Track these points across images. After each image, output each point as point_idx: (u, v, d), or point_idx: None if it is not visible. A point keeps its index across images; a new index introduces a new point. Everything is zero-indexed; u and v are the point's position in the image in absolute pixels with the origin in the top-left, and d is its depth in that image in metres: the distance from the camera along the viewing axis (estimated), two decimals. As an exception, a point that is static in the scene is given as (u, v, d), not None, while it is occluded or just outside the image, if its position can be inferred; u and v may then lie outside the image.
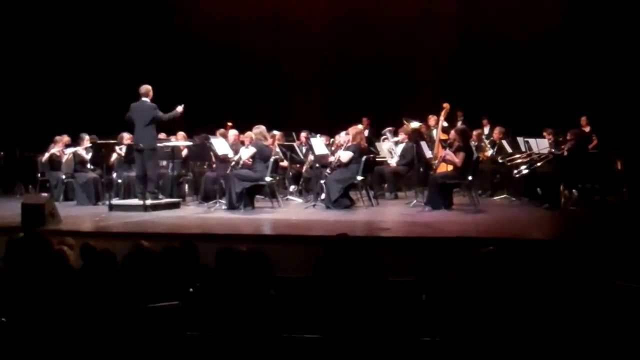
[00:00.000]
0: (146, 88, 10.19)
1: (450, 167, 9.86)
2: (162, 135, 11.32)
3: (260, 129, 10.26)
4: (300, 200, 11.35)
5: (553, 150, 10.41)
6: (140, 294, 3.68)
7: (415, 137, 11.46)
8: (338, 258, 3.44)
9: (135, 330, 3.33)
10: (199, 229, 8.43)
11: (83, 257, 4.59)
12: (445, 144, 10.72)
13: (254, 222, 9.05)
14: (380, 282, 3.53)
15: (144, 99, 10.16)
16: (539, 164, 10.27)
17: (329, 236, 4.17)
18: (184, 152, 11.64)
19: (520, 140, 11.40)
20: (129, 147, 10.97)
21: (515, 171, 10.63)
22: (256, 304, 3.42)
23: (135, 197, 10.71)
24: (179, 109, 10.22)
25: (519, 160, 10.80)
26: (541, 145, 10.76)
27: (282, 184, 12.01)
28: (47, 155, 11.84)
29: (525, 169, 10.37)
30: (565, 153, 9.90)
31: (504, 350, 3.05)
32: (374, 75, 15.20)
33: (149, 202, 9.97)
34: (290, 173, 12.18)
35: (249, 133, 10.54)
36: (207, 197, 10.95)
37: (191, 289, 3.93)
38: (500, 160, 11.36)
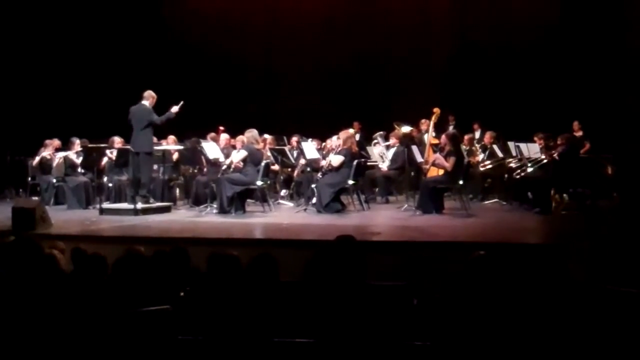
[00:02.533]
0: (149, 92, 10.26)
1: (441, 172, 9.88)
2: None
3: (253, 132, 10.23)
4: (291, 204, 11.33)
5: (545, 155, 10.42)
6: (131, 298, 3.67)
7: (407, 141, 11.47)
8: (328, 262, 3.44)
9: (127, 334, 3.32)
10: (190, 233, 8.38)
11: (74, 261, 4.58)
12: (436, 148, 10.74)
13: (245, 226, 9.01)
14: (369, 286, 3.54)
15: (143, 102, 10.18)
16: (538, 165, 10.26)
17: (321, 240, 4.17)
18: (175, 156, 11.62)
19: (511, 144, 11.43)
20: (119, 150, 10.94)
21: (516, 173, 10.60)
22: (250, 308, 3.41)
23: (126, 201, 10.68)
24: (174, 109, 10.22)
25: (522, 163, 10.79)
26: (532, 149, 10.78)
27: (274, 188, 11.99)
28: (37, 159, 11.76)
29: (531, 166, 10.36)
30: (557, 157, 9.92)
31: (495, 354, 3.06)
32: (366, 79, 15.24)
33: (139, 206, 9.93)
34: (282, 177, 12.16)
35: (240, 137, 10.53)
36: (198, 201, 10.94)
37: (182, 293, 3.92)
38: (496, 162, 11.34)
